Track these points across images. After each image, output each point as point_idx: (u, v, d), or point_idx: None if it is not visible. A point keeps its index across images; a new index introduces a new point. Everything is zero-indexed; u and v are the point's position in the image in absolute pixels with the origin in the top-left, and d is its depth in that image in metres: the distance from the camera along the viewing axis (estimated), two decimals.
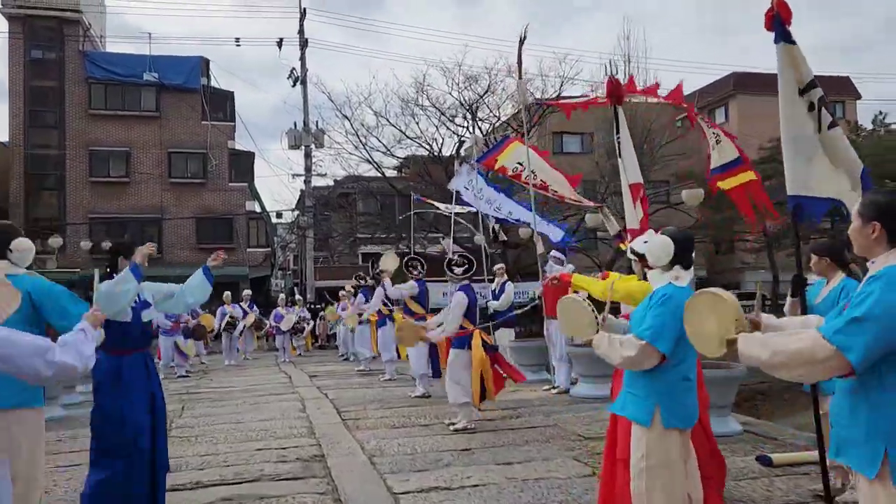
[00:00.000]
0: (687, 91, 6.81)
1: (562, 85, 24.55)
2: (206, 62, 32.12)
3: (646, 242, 3.56)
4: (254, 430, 7.31)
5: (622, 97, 6.98)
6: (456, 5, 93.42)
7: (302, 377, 12.50)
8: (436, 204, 16.24)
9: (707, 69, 66.51)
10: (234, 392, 10.62)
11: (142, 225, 29.43)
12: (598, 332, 3.38)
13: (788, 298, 4.55)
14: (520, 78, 9.02)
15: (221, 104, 32.08)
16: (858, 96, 44.14)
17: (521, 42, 8.59)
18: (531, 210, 12.90)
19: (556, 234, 12.44)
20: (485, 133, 24.25)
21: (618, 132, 6.91)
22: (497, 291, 10.91)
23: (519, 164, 11.46)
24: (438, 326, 7.11)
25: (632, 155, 6.86)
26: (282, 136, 29.28)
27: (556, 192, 10.43)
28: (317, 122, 28.63)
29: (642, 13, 64.19)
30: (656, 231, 3.72)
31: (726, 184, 6.05)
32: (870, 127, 31.72)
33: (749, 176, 5.92)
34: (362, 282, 13.38)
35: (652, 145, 25.85)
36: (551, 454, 5.76)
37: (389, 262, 10.20)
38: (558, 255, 9.09)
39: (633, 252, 3.90)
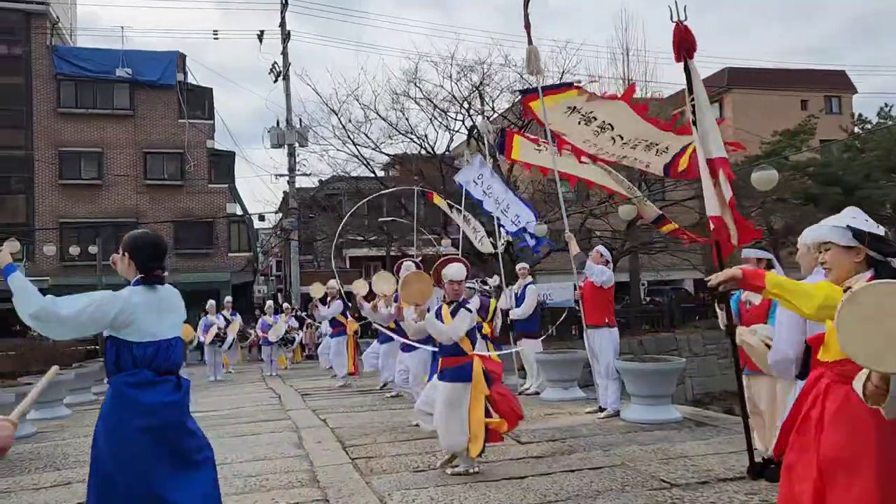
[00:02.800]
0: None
1: (562, 76, 23.08)
2: (183, 58, 30.44)
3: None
4: (240, 475, 5.75)
5: (694, 47, 5.58)
6: (427, 12, 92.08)
7: (293, 397, 10.98)
8: (444, 210, 14.47)
9: (705, 63, 65.33)
10: (216, 418, 9.03)
11: (115, 230, 27.66)
12: None
13: None
14: (529, 44, 7.60)
15: (199, 102, 30.42)
16: (854, 90, 43.44)
17: (527, 2, 7.41)
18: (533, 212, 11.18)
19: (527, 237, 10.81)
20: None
21: (691, 93, 5.52)
22: (519, 296, 9.50)
23: (569, 108, 8.78)
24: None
25: (709, 120, 5.44)
26: (264, 134, 27.77)
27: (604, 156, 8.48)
28: (300, 119, 27.13)
29: (634, 11, 63.29)
30: None
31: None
32: (876, 120, 30.57)
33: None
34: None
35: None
36: None
37: (385, 285, 8.13)
38: (603, 250, 7.60)
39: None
